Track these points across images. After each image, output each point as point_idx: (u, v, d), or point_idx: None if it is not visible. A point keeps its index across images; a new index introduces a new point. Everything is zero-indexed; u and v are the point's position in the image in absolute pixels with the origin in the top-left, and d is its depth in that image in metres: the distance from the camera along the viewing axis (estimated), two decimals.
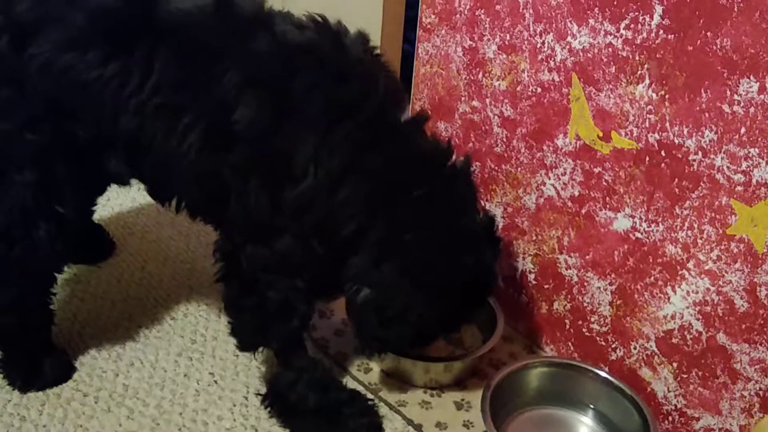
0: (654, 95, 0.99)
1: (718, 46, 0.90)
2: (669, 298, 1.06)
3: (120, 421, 1.10)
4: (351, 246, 1.03)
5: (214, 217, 1.11)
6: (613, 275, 1.13)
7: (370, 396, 1.16)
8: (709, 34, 0.91)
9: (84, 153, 1.02)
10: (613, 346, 1.17)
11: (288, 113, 0.97)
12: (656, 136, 1.01)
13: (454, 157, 1.07)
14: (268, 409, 1.13)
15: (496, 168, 1.28)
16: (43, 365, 1.14)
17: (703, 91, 0.93)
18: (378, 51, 1.06)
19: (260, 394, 1.12)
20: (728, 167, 0.94)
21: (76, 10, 0.95)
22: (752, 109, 0.89)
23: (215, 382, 1.19)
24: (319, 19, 1.02)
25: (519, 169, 1.24)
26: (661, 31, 0.96)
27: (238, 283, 1.08)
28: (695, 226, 0.99)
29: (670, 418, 1.11)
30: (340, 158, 0.97)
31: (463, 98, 1.30)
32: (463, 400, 1.19)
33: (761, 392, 0.98)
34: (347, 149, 0.98)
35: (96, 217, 1.45)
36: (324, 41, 1.00)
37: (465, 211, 1.08)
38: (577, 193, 1.15)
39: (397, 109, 1.05)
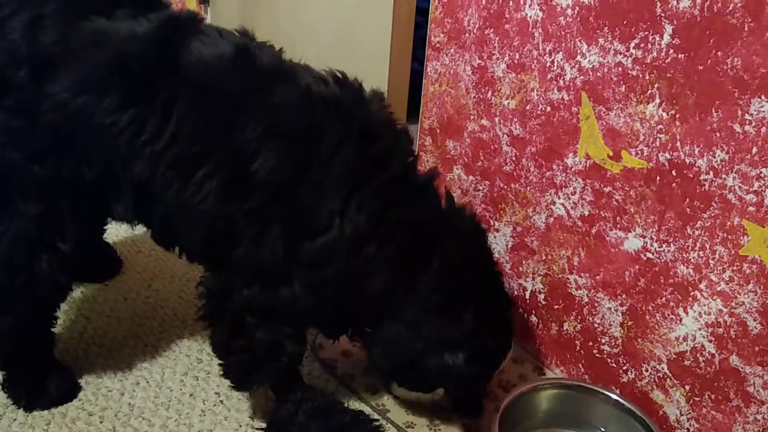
0: (665, 114, 0.99)
1: (729, 66, 0.90)
2: (681, 320, 1.04)
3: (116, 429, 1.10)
4: (374, 300, 1.03)
5: (214, 260, 1.10)
6: (624, 296, 1.12)
7: (375, 416, 1.14)
8: (719, 53, 0.90)
9: (89, 193, 1.02)
10: (625, 367, 1.15)
11: (312, 165, 0.96)
12: (667, 155, 1.00)
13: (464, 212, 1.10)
14: None
15: (506, 187, 1.27)
16: (47, 384, 1.13)
17: (714, 110, 0.93)
18: (390, 108, 1.07)
19: (260, 429, 1.11)
20: (740, 187, 0.92)
21: (99, 51, 0.95)
22: (764, 129, 0.88)
23: (221, 402, 1.18)
24: (339, 74, 1.03)
25: (528, 188, 1.23)
26: (672, 51, 0.95)
27: (227, 324, 1.07)
28: (707, 246, 0.98)
29: None
30: (368, 215, 0.97)
31: (472, 117, 1.30)
32: (472, 422, 1.17)
33: None
34: (376, 206, 0.98)
35: (104, 235, 1.44)
36: (347, 96, 1.00)
37: (486, 254, 1.12)
38: (587, 213, 1.14)
39: (415, 166, 1.07)
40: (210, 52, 0.97)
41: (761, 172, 0.90)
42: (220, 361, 1.11)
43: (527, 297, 1.30)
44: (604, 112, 1.06)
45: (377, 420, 1.12)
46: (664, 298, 1.06)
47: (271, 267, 1.01)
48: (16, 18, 0.95)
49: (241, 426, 1.14)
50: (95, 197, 1.03)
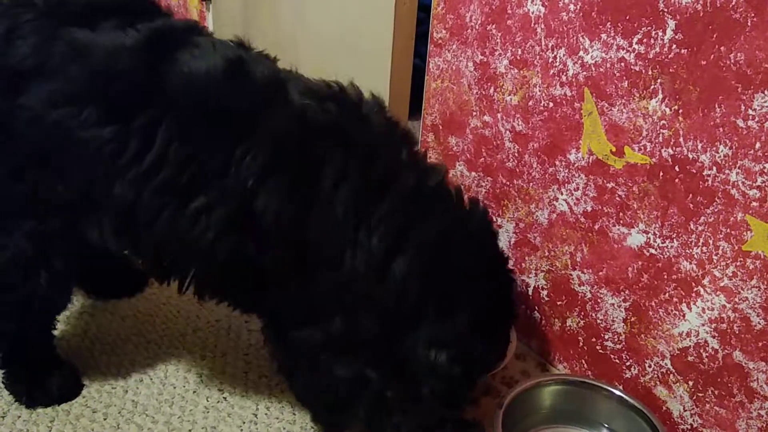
0: (667, 110, 0.98)
1: (732, 61, 0.89)
2: (684, 315, 1.04)
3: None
4: (407, 317, 1.01)
5: (239, 300, 1.06)
6: (627, 292, 1.12)
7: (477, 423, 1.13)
8: (722, 48, 0.90)
9: (65, 213, 0.98)
10: (628, 363, 1.15)
11: (316, 202, 0.92)
12: (670, 151, 1.00)
13: (475, 209, 1.06)
14: None
15: (508, 183, 1.27)
16: (48, 382, 1.14)
17: (717, 105, 0.92)
18: (390, 114, 1.03)
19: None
20: (743, 182, 0.92)
21: (78, 63, 0.90)
22: (767, 124, 0.88)
23: (224, 399, 1.18)
24: (336, 87, 0.98)
25: (531, 184, 1.23)
26: (674, 46, 0.95)
27: (304, 369, 1.04)
28: (710, 242, 0.98)
29: None
30: (383, 240, 0.93)
31: (474, 113, 1.30)
32: (475, 418, 1.17)
33: None
34: (390, 230, 0.94)
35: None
36: (346, 117, 0.96)
37: (496, 255, 1.09)
38: (590, 209, 1.14)
39: (426, 172, 1.01)
40: (199, 66, 0.91)
41: (765, 168, 0.90)
42: (309, 409, 1.10)
43: (530, 293, 1.30)
44: (606, 108, 1.06)
45: (479, 425, 1.11)
46: (667, 294, 1.06)
47: (305, 307, 0.98)
48: None
49: (244, 423, 1.14)
50: (70, 218, 0.98)
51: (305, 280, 0.96)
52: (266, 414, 1.16)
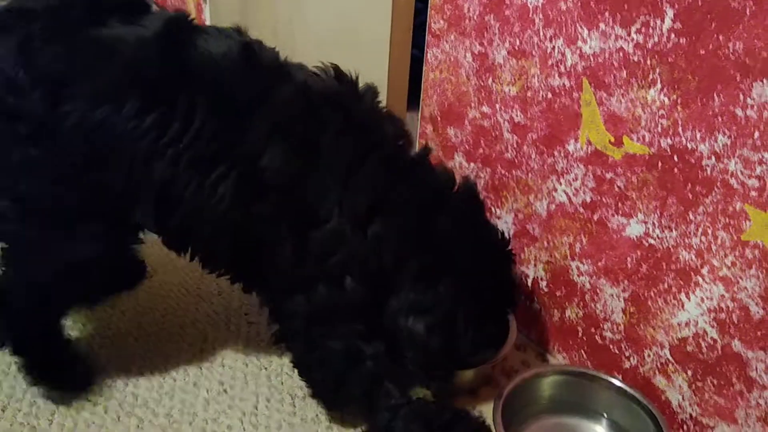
0: (666, 99, 0.98)
1: (731, 50, 0.89)
2: (683, 305, 1.04)
3: (130, 431, 1.10)
4: (388, 280, 1.04)
5: (242, 272, 1.11)
6: (626, 282, 1.12)
7: (475, 412, 1.12)
8: (721, 37, 0.90)
9: (116, 203, 1.00)
10: (627, 354, 1.16)
11: (315, 161, 0.99)
12: (669, 140, 0.99)
13: (457, 181, 1.12)
14: None
15: (507, 174, 1.27)
16: (75, 367, 1.15)
17: (715, 95, 0.92)
18: (382, 103, 1.10)
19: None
20: (742, 172, 0.92)
21: (107, 62, 0.93)
22: (766, 113, 0.88)
23: (225, 391, 1.18)
24: (334, 69, 1.05)
25: (530, 175, 1.23)
26: (673, 35, 0.95)
27: (299, 341, 1.09)
28: (709, 232, 0.98)
29: (685, 427, 1.09)
30: (364, 197, 1.00)
31: (472, 104, 1.30)
32: (475, 408, 1.17)
33: None
34: (370, 189, 1.01)
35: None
36: (345, 91, 1.04)
37: (485, 229, 1.14)
38: (588, 199, 1.14)
39: (406, 146, 1.08)
40: (217, 50, 0.97)
41: (763, 157, 0.89)
42: (307, 383, 1.12)
43: (529, 284, 1.30)
44: (605, 98, 1.06)
45: (479, 416, 1.10)
46: (666, 284, 1.06)
47: (297, 270, 1.02)
48: (2, 44, 0.92)
49: (245, 415, 1.14)
50: (122, 210, 1.01)
51: (298, 242, 1.00)
52: (266, 406, 1.16)
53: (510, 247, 1.16)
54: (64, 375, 1.14)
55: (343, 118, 1.00)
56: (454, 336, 1.07)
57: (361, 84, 1.07)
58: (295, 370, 1.15)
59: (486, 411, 1.15)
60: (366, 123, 1.03)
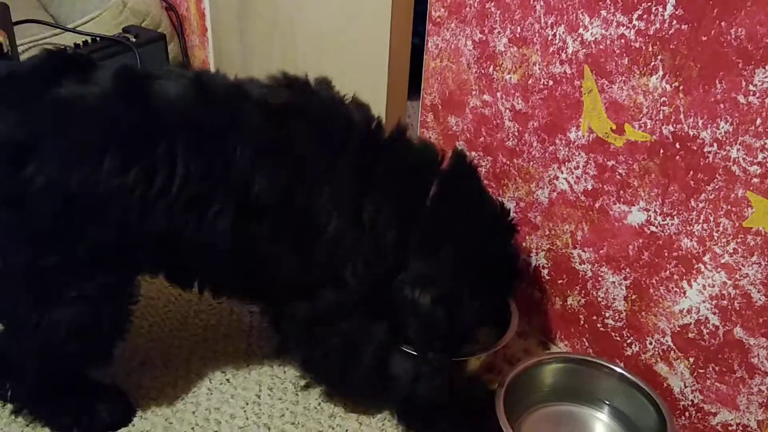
0: (668, 87, 0.98)
1: (733, 36, 0.89)
2: (685, 293, 1.04)
3: (133, 421, 1.10)
4: (394, 259, 1.04)
5: (248, 291, 1.12)
6: (627, 270, 1.12)
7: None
8: (723, 23, 0.89)
9: (105, 264, 0.98)
10: (629, 341, 1.16)
11: (300, 172, 0.99)
12: (670, 128, 0.99)
13: (442, 154, 1.11)
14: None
15: (508, 162, 1.27)
16: (98, 407, 1.09)
17: (717, 81, 0.92)
18: (340, 91, 1.10)
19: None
20: (744, 159, 0.92)
21: (78, 121, 0.92)
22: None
23: (227, 380, 1.19)
24: (284, 78, 1.06)
25: (531, 163, 1.22)
26: (675, 22, 0.94)
27: (303, 343, 1.09)
28: (711, 219, 0.98)
29: (687, 414, 1.09)
30: (349, 187, 1.00)
31: (473, 92, 1.29)
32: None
33: None
34: (353, 178, 1.01)
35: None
36: (299, 95, 1.04)
37: (482, 199, 1.12)
38: (590, 187, 1.14)
39: (379, 128, 1.08)
40: (175, 92, 0.96)
41: (765, 144, 0.89)
42: (314, 380, 1.14)
43: (531, 272, 1.30)
44: (606, 86, 1.05)
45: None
46: (668, 271, 1.06)
47: (303, 279, 1.03)
48: None
49: (248, 404, 1.15)
50: (117, 264, 1.00)
51: (304, 255, 1.01)
52: (269, 395, 1.16)
53: (511, 218, 1.15)
54: (96, 417, 1.09)
55: (307, 123, 1.01)
56: (459, 308, 1.06)
57: (313, 81, 1.07)
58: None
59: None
60: (331, 118, 1.03)
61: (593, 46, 1.06)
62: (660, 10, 0.95)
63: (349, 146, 1.02)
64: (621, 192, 1.09)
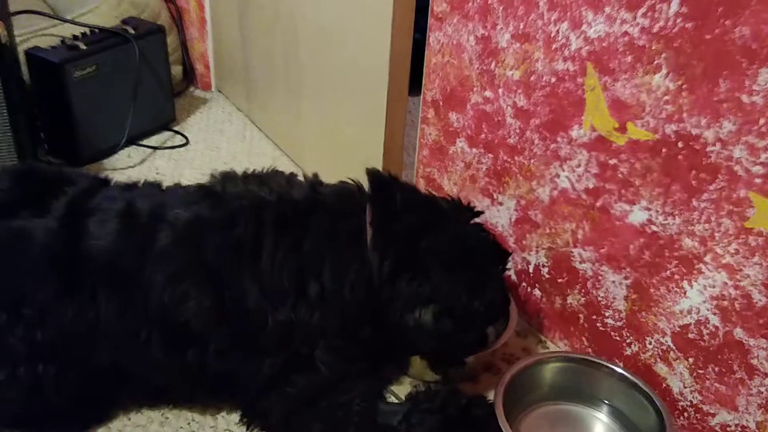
0: (671, 85, 0.97)
1: (737, 35, 0.88)
2: (685, 293, 1.04)
3: (129, 416, 1.10)
4: (372, 306, 1.05)
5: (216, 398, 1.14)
6: (628, 269, 1.12)
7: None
8: (727, 22, 0.88)
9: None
10: (628, 341, 1.15)
11: (219, 287, 1.01)
12: (673, 127, 0.99)
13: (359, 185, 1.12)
14: None
15: (509, 160, 1.26)
16: None
17: (721, 81, 0.91)
18: (256, 172, 1.18)
19: None
20: (747, 159, 0.91)
21: (21, 254, 1.00)
22: None
23: None
24: (200, 189, 1.11)
25: (532, 160, 1.22)
26: (679, 20, 0.94)
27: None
28: (713, 219, 0.97)
29: (686, 414, 1.09)
30: (279, 282, 1.01)
31: (475, 88, 1.29)
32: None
33: None
34: (282, 273, 1.01)
35: None
36: (204, 205, 1.06)
37: (424, 200, 1.12)
38: (591, 186, 1.13)
39: (290, 183, 1.14)
40: (104, 230, 1.02)
41: None
42: None
43: (531, 271, 1.30)
44: (609, 83, 1.05)
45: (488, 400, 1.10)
46: (668, 271, 1.06)
47: (265, 375, 1.04)
48: None
49: None
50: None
51: (260, 355, 1.03)
52: None
53: (467, 203, 1.15)
54: None
55: (217, 232, 1.03)
56: (463, 313, 1.05)
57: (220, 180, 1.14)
58: None
59: (488, 398, 1.15)
60: (231, 217, 1.04)
61: (597, 43, 1.05)
62: (664, 7, 0.95)
63: (265, 243, 1.02)
64: (622, 191, 1.08)
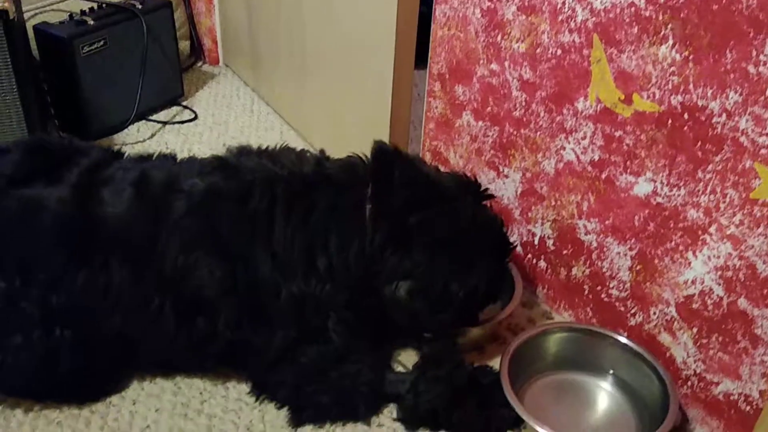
0: (677, 56, 0.97)
1: (744, 5, 0.88)
2: (690, 263, 1.05)
3: (143, 386, 1.12)
4: (371, 273, 1.06)
5: (229, 366, 1.15)
6: (633, 240, 1.12)
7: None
8: None
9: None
10: (633, 311, 1.16)
11: (232, 256, 1.03)
12: (679, 98, 0.99)
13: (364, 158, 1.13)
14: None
15: (515, 132, 1.26)
16: None
17: (728, 51, 0.91)
18: (266, 147, 1.19)
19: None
20: (752, 130, 0.91)
21: (32, 222, 1.02)
22: None
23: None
24: (216, 160, 1.12)
25: (538, 133, 1.22)
26: None
27: (292, 403, 1.09)
28: (718, 190, 0.98)
29: (690, 383, 1.10)
30: (290, 253, 1.03)
31: (481, 61, 1.28)
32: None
33: None
34: (293, 243, 1.03)
35: None
36: (219, 176, 1.08)
37: (426, 175, 1.12)
38: (597, 158, 1.13)
39: (300, 159, 1.14)
40: (119, 198, 1.04)
41: None
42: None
43: (536, 242, 1.31)
44: (615, 55, 1.05)
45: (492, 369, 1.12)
46: (673, 242, 1.06)
47: (277, 346, 1.06)
48: None
49: None
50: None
51: (271, 327, 1.05)
52: None
53: (476, 182, 1.16)
54: None
55: (232, 203, 1.05)
56: (439, 295, 1.06)
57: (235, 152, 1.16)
58: None
59: (493, 367, 1.16)
60: (251, 193, 1.05)
61: (603, 14, 1.04)
62: None
63: (277, 217, 1.04)
64: (628, 162, 1.09)
